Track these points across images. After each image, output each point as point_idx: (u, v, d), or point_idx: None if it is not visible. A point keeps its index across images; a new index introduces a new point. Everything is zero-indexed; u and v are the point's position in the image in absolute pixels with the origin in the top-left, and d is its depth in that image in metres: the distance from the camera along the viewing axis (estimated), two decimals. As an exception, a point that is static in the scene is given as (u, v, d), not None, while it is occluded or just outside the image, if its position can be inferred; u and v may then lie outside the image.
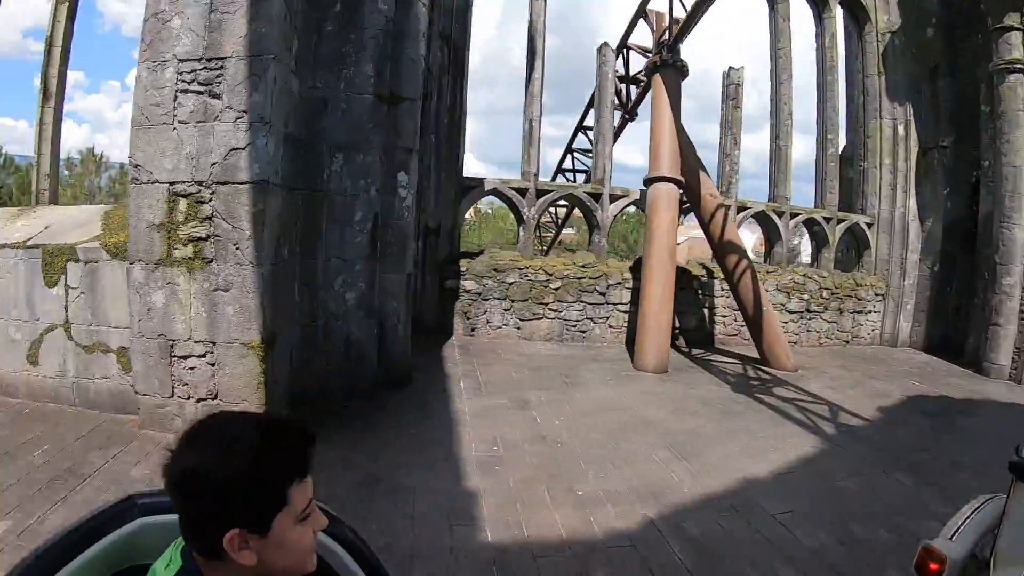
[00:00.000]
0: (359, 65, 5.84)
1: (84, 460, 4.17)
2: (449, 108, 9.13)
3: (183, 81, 4.79)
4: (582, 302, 9.41)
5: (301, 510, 1.17)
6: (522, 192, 9.74)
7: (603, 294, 9.47)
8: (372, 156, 5.90)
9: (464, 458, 4.79)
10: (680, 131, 8.40)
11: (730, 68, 11.19)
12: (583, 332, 9.40)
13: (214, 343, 4.89)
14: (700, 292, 10.00)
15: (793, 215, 11.07)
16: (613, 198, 9.97)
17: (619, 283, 9.53)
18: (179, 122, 4.80)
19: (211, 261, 4.85)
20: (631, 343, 8.65)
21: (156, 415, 4.95)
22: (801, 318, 10.70)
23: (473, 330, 9.08)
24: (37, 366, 5.41)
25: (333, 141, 5.80)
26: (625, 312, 9.45)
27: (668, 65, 8.53)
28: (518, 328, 9.27)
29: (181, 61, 4.78)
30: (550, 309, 9.25)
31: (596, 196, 9.91)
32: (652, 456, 5.03)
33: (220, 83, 4.75)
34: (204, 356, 4.93)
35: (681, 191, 8.51)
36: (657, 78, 8.55)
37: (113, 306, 5.23)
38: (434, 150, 8.70)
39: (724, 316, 10.23)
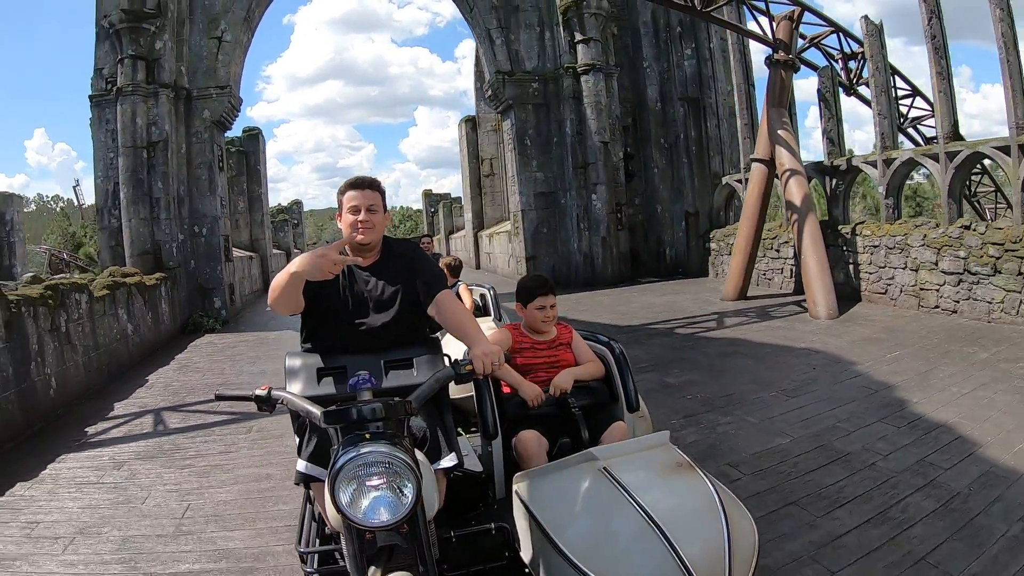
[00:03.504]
0: (565, 157, 16.70)
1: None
2: (696, 141, 17.58)
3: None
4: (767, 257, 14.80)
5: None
6: (740, 181, 16.04)
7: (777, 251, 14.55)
8: (574, 191, 16.59)
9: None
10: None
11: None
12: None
13: (521, 256, 16.56)
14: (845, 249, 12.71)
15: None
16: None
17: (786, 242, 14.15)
18: (521, 194, 16.63)
19: (517, 235, 16.53)
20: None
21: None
22: (961, 282, 10.18)
23: (716, 274, 16.34)
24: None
25: (563, 188, 16.60)
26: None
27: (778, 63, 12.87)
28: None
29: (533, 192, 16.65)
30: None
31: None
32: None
33: (515, 186, 16.32)
34: (526, 260, 16.56)
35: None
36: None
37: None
38: (687, 164, 17.56)
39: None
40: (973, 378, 6.85)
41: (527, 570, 2.69)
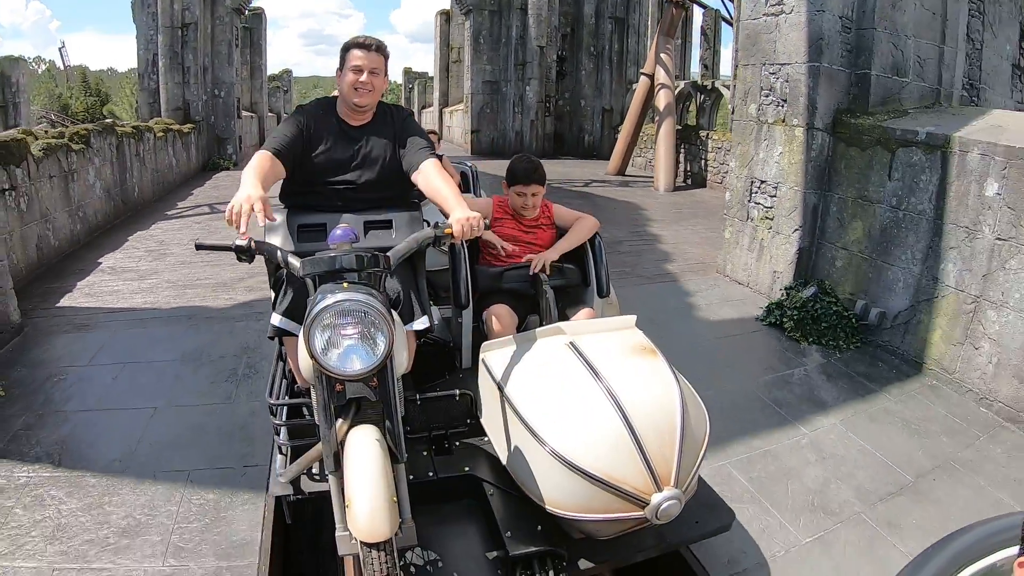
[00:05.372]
0: (510, 55, 20.91)
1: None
2: (619, 52, 21.56)
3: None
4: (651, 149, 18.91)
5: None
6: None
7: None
8: (513, 83, 20.96)
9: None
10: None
11: None
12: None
13: (468, 130, 20.68)
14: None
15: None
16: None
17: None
18: (472, 80, 20.70)
19: (467, 112, 20.70)
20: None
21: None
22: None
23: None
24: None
25: (505, 79, 20.99)
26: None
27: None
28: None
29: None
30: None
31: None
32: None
33: (468, 74, 20.41)
34: (471, 132, 20.77)
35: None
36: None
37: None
38: (609, 70, 21.57)
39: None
40: (708, 226, 10.75)
41: (487, 438, 2.81)
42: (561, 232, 3.75)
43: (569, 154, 21.64)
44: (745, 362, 5.87)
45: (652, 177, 16.56)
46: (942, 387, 5.60)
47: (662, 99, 16.45)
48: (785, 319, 6.47)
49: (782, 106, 7.06)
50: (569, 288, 3.64)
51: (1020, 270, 5.10)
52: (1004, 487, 4.28)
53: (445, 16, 29.69)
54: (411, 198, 3.34)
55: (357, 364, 2.14)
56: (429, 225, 2.66)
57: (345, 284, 2.17)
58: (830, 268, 6.86)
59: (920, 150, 5.94)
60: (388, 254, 2.36)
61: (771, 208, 7.28)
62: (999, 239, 5.26)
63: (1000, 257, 5.24)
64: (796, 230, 6.93)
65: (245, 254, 2.37)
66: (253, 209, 2.42)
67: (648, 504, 2.16)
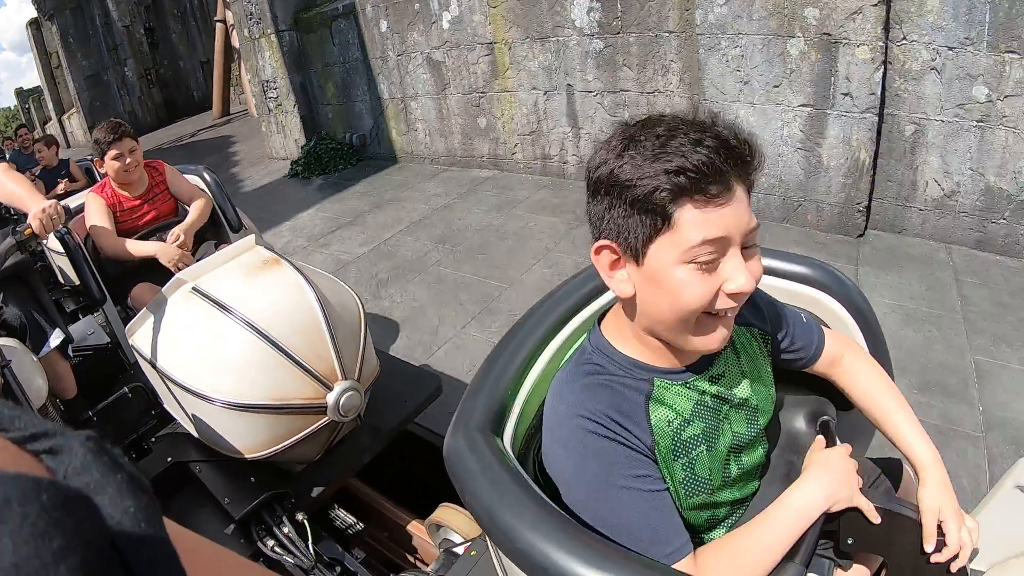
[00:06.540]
0: (101, 44, 21.71)
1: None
2: (199, 7, 23.18)
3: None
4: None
5: None
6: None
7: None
8: (112, 69, 21.80)
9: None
10: None
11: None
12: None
13: (86, 128, 21.58)
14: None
15: None
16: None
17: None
18: (74, 80, 21.40)
19: (79, 112, 21.54)
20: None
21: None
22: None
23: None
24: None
25: (104, 68, 21.80)
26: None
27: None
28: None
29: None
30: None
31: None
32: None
33: (69, 75, 21.10)
34: (89, 129, 21.64)
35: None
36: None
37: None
38: (196, 25, 23.25)
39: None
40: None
41: (177, 420, 2.61)
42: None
43: (185, 114, 22.59)
44: (271, 205, 8.18)
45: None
46: (408, 164, 8.43)
47: (236, 39, 18.43)
48: (300, 167, 9.07)
49: (260, 23, 9.32)
50: (206, 235, 3.56)
51: (414, 71, 7.84)
52: (425, 200, 7.05)
53: (35, 25, 28.68)
54: (3, 215, 3.07)
55: None
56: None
57: None
58: (326, 121, 9.44)
59: (343, 19, 8.40)
60: None
61: (278, 97, 9.64)
62: (398, 55, 7.95)
63: (402, 67, 7.96)
64: (295, 105, 9.38)
65: None
66: None
67: (327, 406, 2.13)
